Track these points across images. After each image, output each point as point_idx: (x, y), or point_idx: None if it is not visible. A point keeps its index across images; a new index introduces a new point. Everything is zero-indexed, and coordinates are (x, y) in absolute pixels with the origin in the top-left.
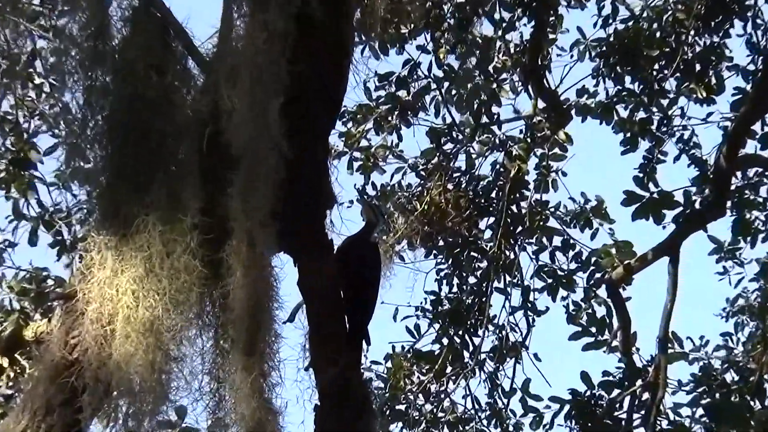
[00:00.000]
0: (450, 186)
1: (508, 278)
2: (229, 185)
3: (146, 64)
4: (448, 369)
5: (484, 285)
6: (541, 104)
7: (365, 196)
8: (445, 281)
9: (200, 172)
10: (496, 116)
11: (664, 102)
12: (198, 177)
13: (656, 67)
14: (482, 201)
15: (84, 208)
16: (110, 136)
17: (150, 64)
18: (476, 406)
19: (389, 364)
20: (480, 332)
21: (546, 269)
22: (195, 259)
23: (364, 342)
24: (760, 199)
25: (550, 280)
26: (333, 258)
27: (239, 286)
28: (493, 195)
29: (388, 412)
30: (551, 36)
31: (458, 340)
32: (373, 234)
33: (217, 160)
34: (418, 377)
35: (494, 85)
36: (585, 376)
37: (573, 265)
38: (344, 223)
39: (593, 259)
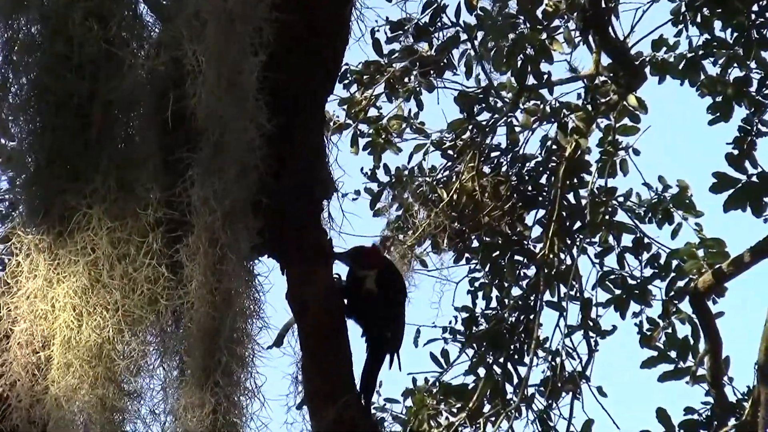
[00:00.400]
0: (486, 169)
1: (563, 289)
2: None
3: (84, 10)
4: (486, 407)
5: (531, 298)
6: (605, 60)
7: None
8: (480, 294)
9: (158, 151)
10: (545, 76)
11: (767, 55)
12: (155, 158)
13: (755, 9)
14: (528, 188)
15: (6, 199)
16: (39, 105)
17: (89, 10)
18: None
19: (409, 402)
20: (527, 360)
21: (612, 277)
22: (150, 265)
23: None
24: None
25: (617, 292)
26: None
27: (196, 297)
28: (543, 181)
29: None
30: None
31: (499, 370)
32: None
33: (180, 136)
34: (447, 418)
35: (543, 36)
36: (662, 415)
37: (648, 272)
38: (346, 217)
39: (674, 263)
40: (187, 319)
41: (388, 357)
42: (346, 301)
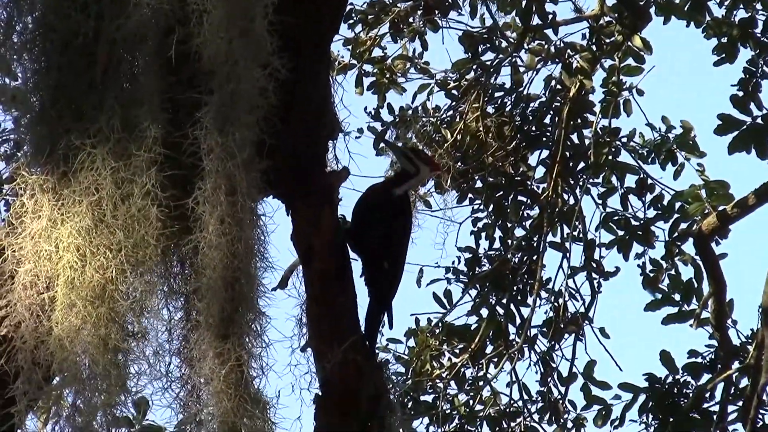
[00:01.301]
0: (490, 109)
1: (566, 230)
2: (199, 111)
3: None
4: (489, 348)
5: (534, 239)
6: (609, 0)
7: (396, 141)
8: (484, 234)
9: (163, 92)
10: (550, 17)
11: None
12: (158, 98)
13: None
14: (532, 129)
15: (10, 140)
16: (43, 43)
17: None
18: (525, 397)
19: (412, 343)
20: (530, 301)
21: (616, 218)
22: (154, 205)
23: (385, 319)
24: None
25: (621, 233)
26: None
27: (212, 245)
28: (547, 121)
29: (410, 405)
30: None
31: (501, 311)
32: (405, 188)
33: (185, 76)
34: (450, 359)
35: None
36: (666, 358)
37: (651, 213)
38: (352, 158)
39: (677, 205)
40: (201, 266)
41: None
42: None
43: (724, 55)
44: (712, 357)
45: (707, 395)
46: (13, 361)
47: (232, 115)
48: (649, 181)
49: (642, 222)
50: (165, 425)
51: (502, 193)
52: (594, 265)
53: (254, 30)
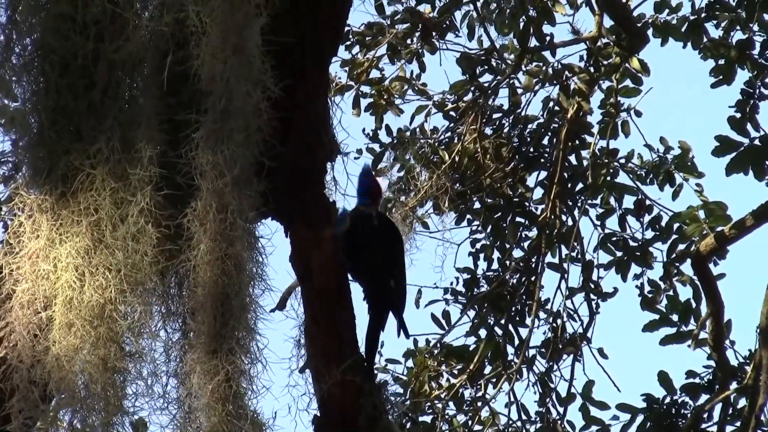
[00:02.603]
0: (488, 131)
1: (564, 251)
2: (194, 130)
3: None
4: (487, 369)
5: (533, 260)
6: (607, 22)
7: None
8: (482, 255)
9: (161, 113)
10: (548, 38)
11: None
12: (156, 119)
13: None
14: (530, 150)
15: (9, 161)
16: (43, 65)
17: None
18: (523, 417)
19: (410, 363)
20: (528, 321)
21: (614, 239)
22: (148, 224)
23: (402, 333)
24: None
25: (619, 254)
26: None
27: (203, 262)
28: (545, 142)
29: (409, 426)
30: None
31: (500, 332)
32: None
33: (185, 98)
34: (448, 380)
35: None
36: (664, 378)
37: (649, 234)
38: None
39: (675, 226)
40: (193, 284)
41: (396, 323)
42: (348, 251)
43: (721, 77)
44: (710, 378)
45: (705, 416)
46: (9, 381)
47: (223, 133)
48: (648, 202)
49: (640, 243)
50: None
51: (500, 214)
52: (592, 285)
53: (247, 49)
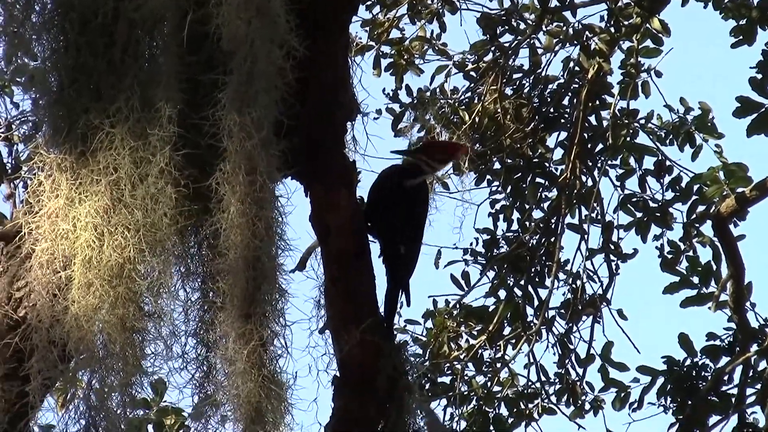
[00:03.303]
0: (508, 91)
1: (584, 212)
2: (218, 91)
3: None
4: (506, 330)
5: (552, 221)
6: None
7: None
8: (502, 216)
9: (180, 72)
10: None
11: None
12: (176, 78)
13: None
14: (550, 110)
15: (29, 120)
16: (62, 24)
17: None
18: (542, 378)
19: (429, 324)
20: (547, 282)
21: (634, 200)
22: (168, 184)
23: (403, 298)
24: None
25: (639, 215)
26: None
27: (234, 225)
28: (565, 102)
29: (428, 386)
30: None
31: (519, 293)
32: (417, 182)
33: (203, 57)
34: (467, 341)
35: None
36: (684, 340)
37: (669, 195)
38: (370, 139)
39: (696, 187)
40: (224, 247)
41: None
42: (369, 209)
43: (741, 37)
44: (731, 340)
45: (726, 378)
46: (28, 340)
47: (250, 94)
48: (668, 162)
49: (660, 204)
50: (182, 406)
51: (520, 174)
52: (612, 246)
53: (271, 9)
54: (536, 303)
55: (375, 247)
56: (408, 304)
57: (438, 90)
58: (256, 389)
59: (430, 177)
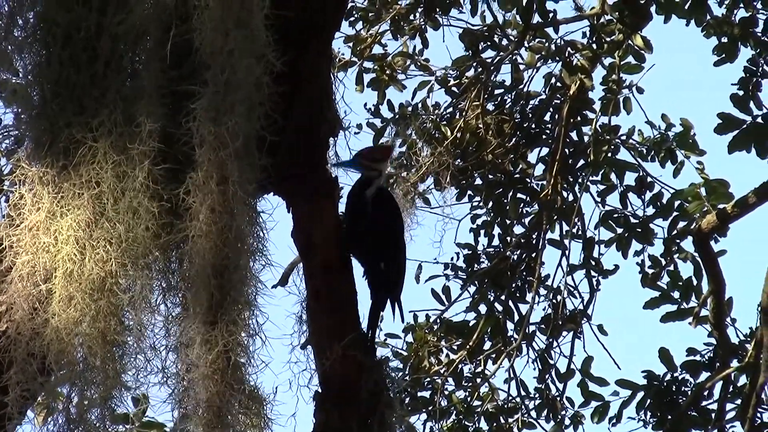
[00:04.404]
0: (490, 107)
1: (565, 228)
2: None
3: None
4: (487, 345)
5: (534, 236)
6: None
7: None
8: (483, 231)
9: (163, 86)
10: (551, 15)
11: None
12: (157, 92)
13: None
14: (532, 126)
15: (11, 134)
16: (45, 38)
17: None
18: (523, 393)
19: (410, 338)
20: (528, 298)
21: (615, 216)
22: (146, 198)
23: (398, 314)
24: None
25: (620, 230)
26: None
27: (201, 233)
28: (547, 118)
29: (408, 401)
30: None
31: (500, 308)
32: (374, 188)
33: (186, 71)
34: (448, 355)
35: None
36: (664, 355)
37: (650, 211)
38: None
39: (677, 203)
40: (191, 255)
41: (389, 306)
42: (348, 229)
43: (724, 55)
44: (711, 355)
45: (706, 393)
46: (8, 351)
47: (226, 104)
48: (649, 179)
49: (641, 220)
50: (164, 421)
51: (501, 190)
52: (593, 262)
53: (250, 22)
54: (517, 318)
55: (358, 264)
56: (402, 320)
57: (420, 105)
58: (218, 393)
59: (380, 180)
